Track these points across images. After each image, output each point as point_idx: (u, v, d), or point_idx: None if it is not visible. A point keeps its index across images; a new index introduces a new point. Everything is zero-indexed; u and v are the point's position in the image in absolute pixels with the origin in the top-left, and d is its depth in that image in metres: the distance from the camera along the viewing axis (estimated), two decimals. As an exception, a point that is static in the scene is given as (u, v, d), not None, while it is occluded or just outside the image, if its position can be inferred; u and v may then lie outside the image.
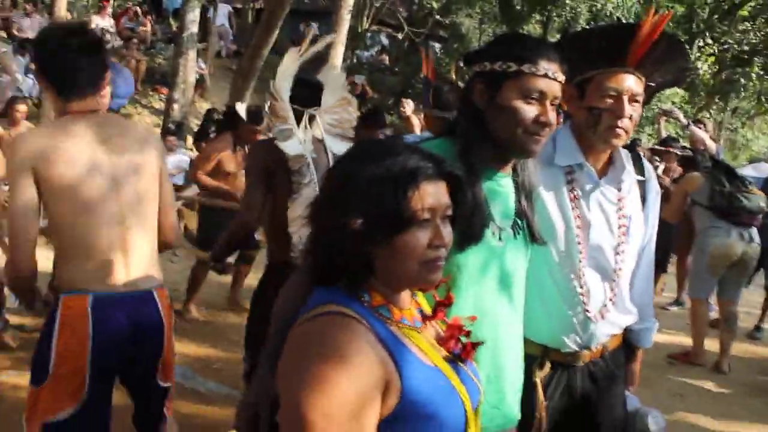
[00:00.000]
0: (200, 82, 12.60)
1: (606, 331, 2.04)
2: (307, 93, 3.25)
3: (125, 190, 2.22)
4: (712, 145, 7.02)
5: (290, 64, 3.25)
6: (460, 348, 1.41)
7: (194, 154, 8.90)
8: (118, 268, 2.20)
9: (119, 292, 2.19)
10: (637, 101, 1.95)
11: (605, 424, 2.12)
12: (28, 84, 10.09)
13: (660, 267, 6.81)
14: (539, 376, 2.00)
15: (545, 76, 1.62)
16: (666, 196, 6.51)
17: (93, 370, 2.13)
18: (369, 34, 19.55)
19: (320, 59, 3.51)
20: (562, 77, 1.66)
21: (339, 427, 1.14)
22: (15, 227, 2.12)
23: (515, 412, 1.80)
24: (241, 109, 5.31)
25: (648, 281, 2.24)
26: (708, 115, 15.75)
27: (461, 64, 1.78)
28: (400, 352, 1.25)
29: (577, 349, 2.02)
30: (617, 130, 1.92)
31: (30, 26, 11.94)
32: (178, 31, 10.68)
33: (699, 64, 16.73)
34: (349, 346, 1.19)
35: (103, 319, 2.14)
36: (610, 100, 1.92)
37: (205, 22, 13.69)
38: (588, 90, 1.95)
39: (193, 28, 10.25)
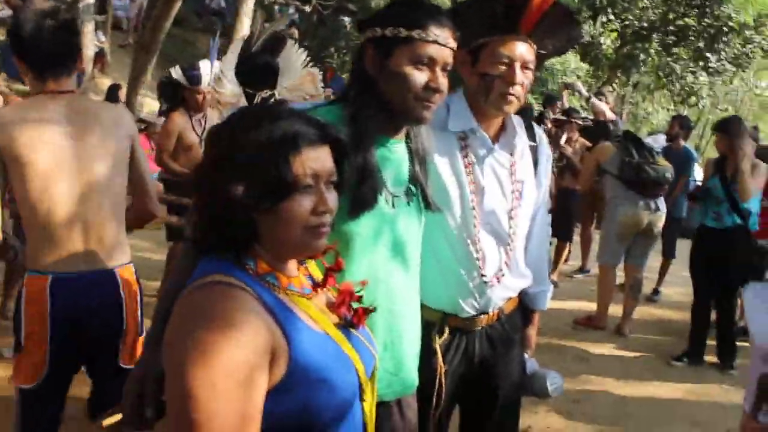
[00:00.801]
0: (100, 56, 12.07)
1: (502, 294, 2.08)
2: (263, 76, 3.22)
3: (89, 170, 2.24)
4: (612, 117, 7.27)
5: (232, 54, 3.23)
6: (352, 313, 1.39)
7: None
8: (78, 248, 2.22)
9: (78, 271, 2.21)
10: (529, 68, 1.96)
11: (504, 387, 2.16)
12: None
13: (564, 236, 7.03)
14: (438, 342, 2.01)
15: (435, 42, 1.61)
16: (568, 166, 6.74)
17: (53, 347, 2.20)
18: (278, 7, 19.19)
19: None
20: (453, 44, 1.65)
21: (225, 396, 1.11)
22: None
23: (414, 378, 1.81)
24: (178, 74, 5.04)
25: (542, 245, 2.29)
26: (611, 89, 16.27)
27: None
28: (287, 320, 1.23)
29: (474, 313, 2.04)
30: (509, 96, 1.94)
31: None
32: (73, 2, 10.15)
33: (602, 39, 17.28)
34: (234, 314, 1.16)
35: (61, 300, 2.18)
36: (502, 67, 1.93)
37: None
38: (481, 56, 1.95)
39: (90, -1, 9.79)
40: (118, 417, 1.56)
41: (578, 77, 13.65)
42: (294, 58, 3.46)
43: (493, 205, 2.02)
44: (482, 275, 2.00)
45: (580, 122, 6.86)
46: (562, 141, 6.67)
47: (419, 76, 1.61)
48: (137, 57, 9.62)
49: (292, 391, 1.21)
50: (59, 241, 2.20)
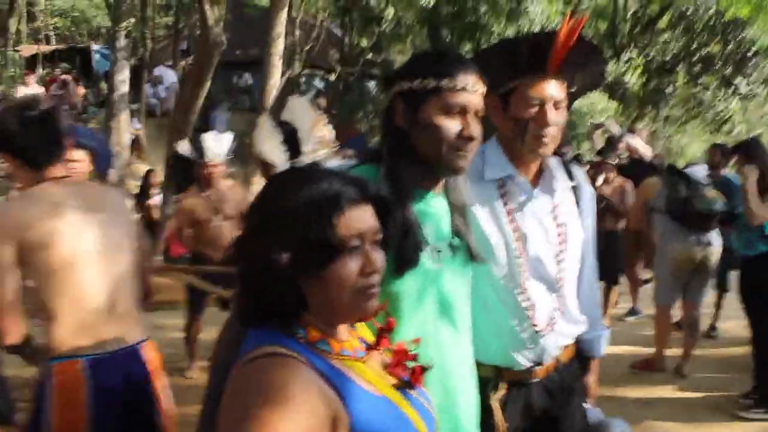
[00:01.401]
0: (135, 143, 12.42)
1: (556, 343, 2.01)
2: (288, 145, 3.25)
3: (105, 244, 2.29)
4: (646, 152, 7.18)
5: (268, 129, 3.26)
6: (409, 373, 1.35)
7: (135, 216, 8.69)
8: (107, 329, 2.24)
9: (110, 351, 2.23)
10: (560, 108, 1.94)
11: (568, 438, 2.07)
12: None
13: (611, 279, 6.87)
14: (495, 399, 1.95)
15: (464, 89, 1.60)
16: (608, 207, 6.63)
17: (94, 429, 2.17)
18: (304, 79, 19.64)
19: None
20: (482, 89, 1.64)
21: None
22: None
23: (474, 438, 1.74)
24: (184, 147, 4.99)
25: (592, 288, 2.22)
26: (642, 126, 16.18)
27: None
28: (344, 386, 1.20)
29: (529, 365, 1.98)
30: (544, 138, 1.91)
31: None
32: (109, 93, 10.52)
33: (627, 77, 17.28)
34: (289, 386, 1.13)
35: (100, 383, 2.17)
36: (534, 109, 1.91)
37: (138, 81, 13.58)
38: (511, 101, 1.94)
39: (123, 89, 10.13)
40: None
41: (608, 117, 13.60)
42: (299, 109, 3.46)
43: (539, 251, 1.97)
44: (534, 324, 1.94)
45: (613, 162, 6.77)
46: (599, 182, 6.59)
47: (452, 126, 1.60)
48: (171, 139, 9.85)
49: (357, 458, 1.16)
50: (88, 325, 2.21)
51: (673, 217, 5.33)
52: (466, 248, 1.74)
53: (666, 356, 5.62)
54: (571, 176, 2.12)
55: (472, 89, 1.61)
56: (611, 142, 7.00)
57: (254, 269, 1.24)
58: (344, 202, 1.21)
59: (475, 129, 1.63)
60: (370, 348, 1.36)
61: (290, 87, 17.11)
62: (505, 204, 1.96)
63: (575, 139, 8.57)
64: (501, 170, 1.97)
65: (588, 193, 2.17)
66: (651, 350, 5.72)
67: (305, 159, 3.22)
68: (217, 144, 4.91)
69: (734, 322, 6.81)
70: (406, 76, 1.65)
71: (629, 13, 18.98)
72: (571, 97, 2.05)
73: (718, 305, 6.78)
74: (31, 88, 12.86)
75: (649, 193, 5.55)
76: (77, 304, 2.21)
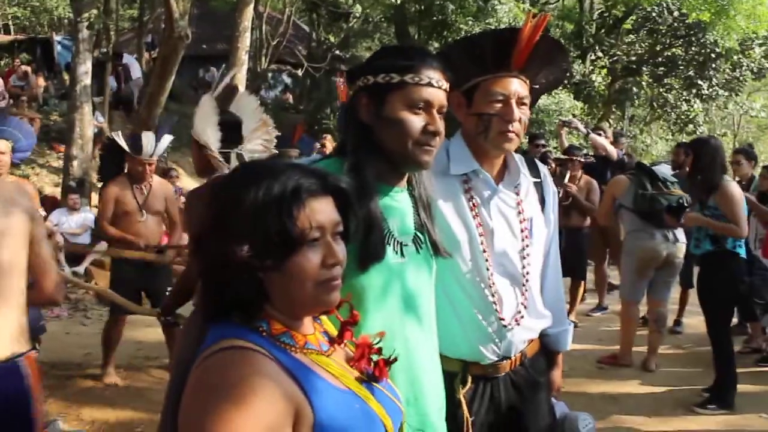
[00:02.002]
0: (99, 136, 12.20)
1: (522, 337, 2.02)
2: (229, 133, 3.20)
3: None
4: (612, 151, 7.26)
5: (208, 111, 3.20)
6: (373, 367, 1.34)
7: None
8: None
9: None
10: (524, 104, 1.95)
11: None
12: None
13: (578, 275, 6.94)
14: (462, 393, 1.95)
15: (429, 84, 1.60)
16: (574, 204, 6.69)
17: None
18: (271, 74, 19.52)
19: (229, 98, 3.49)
20: (446, 85, 1.64)
21: None
22: None
23: (440, 432, 1.73)
24: (119, 138, 5.04)
25: (557, 283, 2.23)
26: (608, 125, 16.39)
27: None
28: (307, 380, 1.18)
29: (496, 359, 1.98)
30: (508, 134, 1.92)
31: None
32: (71, 85, 10.32)
33: (593, 76, 17.50)
34: (249, 380, 1.10)
35: None
36: (498, 105, 1.91)
37: (102, 73, 13.34)
38: (475, 97, 1.94)
39: (86, 80, 9.94)
40: None
41: (573, 115, 13.74)
42: (247, 106, 3.44)
43: (504, 246, 1.98)
44: (500, 318, 1.95)
45: (582, 159, 6.84)
46: (566, 179, 6.64)
47: (416, 121, 1.59)
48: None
49: (320, 453, 1.15)
50: None
51: (639, 214, 5.39)
52: (431, 242, 1.73)
53: (632, 351, 5.69)
54: (535, 172, 2.13)
55: (437, 84, 1.60)
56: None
57: (214, 262, 1.22)
58: (304, 194, 1.19)
59: (440, 124, 1.62)
60: (333, 341, 1.35)
61: (258, 81, 17.02)
62: (470, 199, 1.96)
63: (543, 137, 8.64)
64: (465, 165, 1.97)
65: (552, 190, 2.18)
66: (617, 346, 5.79)
67: (242, 151, 3.20)
68: (155, 143, 5.03)
69: (699, 318, 6.90)
70: (370, 71, 1.63)
71: (595, 15, 19.22)
72: (536, 94, 2.06)
73: (682, 301, 6.88)
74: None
75: (616, 190, 5.61)
76: None
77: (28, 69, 14.79)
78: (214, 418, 1.07)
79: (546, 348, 2.20)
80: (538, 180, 2.13)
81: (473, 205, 1.96)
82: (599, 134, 7.64)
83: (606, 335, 6.48)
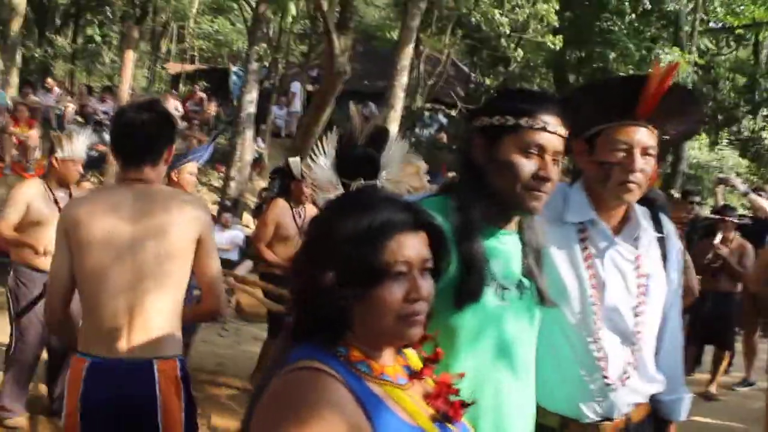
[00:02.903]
0: (258, 161, 12.96)
1: (628, 399, 1.91)
2: (355, 166, 3.31)
3: (143, 253, 2.24)
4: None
5: (329, 145, 3.34)
6: (449, 407, 1.33)
7: (251, 230, 9.06)
8: (120, 334, 2.22)
9: (117, 357, 2.21)
10: (649, 154, 1.87)
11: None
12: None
13: (723, 343, 6.46)
14: (557, 449, 1.87)
15: (544, 129, 1.58)
16: (724, 267, 6.26)
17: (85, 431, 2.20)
18: (427, 113, 19.85)
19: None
20: (562, 131, 1.61)
21: None
22: (49, 282, 2.35)
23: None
24: (295, 164, 5.11)
25: (676, 347, 2.09)
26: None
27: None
28: (376, 410, 1.19)
29: (596, 419, 1.88)
30: (629, 184, 1.85)
31: (103, 109, 12.77)
32: (237, 112, 11.07)
33: (764, 133, 16.37)
34: (317, 405, 1.14)
35: (93, 386, 2.19)
36: (620, 154, 1.85)
37: (266, 103, 14.18)
38: (598, 144, 1.89)
39: (250, 109, 10.63)
40: None
41: (737, 174, 12.90)
42: (397, 151, 3.49)
43: (616, 301, 1.89)
44: (605, 376, 1.86)
45: (735, 220, 6.41)
46: (717, 240, 6.24)
47: (528, 165, 1.58)
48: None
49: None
50: (103, 325, 2.21)
51: None
52: (536, 290, 1.70)
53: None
54: (659, 227, 2.03)
55: (552, 129, 1.58)
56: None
57: (304, 285, 1.27)
58: (392, 228, 1.22)
59: (552, 170, 1.59)
60: (413, 376, 1.35)
61: (412, 119, 17.37)
62: (584, 249, 1.90)
63: (699, 194, 8.20)
64: (582, 214, 1.92)
65: (676, 248, 2.07)
66: (759, 428, 5.29)
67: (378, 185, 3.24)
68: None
69: None
70: (486, 112, 1.64)
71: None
72: (666, 145, 1.97)
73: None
74: (168, 104, 13.73)
75: (772, 256, 5.21)
76: (99, 308, 2.21)
77: (204, 96, 16.03)
78: None
79: (657, 416, 2.07)
80: (662, 235, 2.03)
81: (587, 255, 1.90)
82: (760, 194, 7.13)
83: (749, 414, 5.93)
